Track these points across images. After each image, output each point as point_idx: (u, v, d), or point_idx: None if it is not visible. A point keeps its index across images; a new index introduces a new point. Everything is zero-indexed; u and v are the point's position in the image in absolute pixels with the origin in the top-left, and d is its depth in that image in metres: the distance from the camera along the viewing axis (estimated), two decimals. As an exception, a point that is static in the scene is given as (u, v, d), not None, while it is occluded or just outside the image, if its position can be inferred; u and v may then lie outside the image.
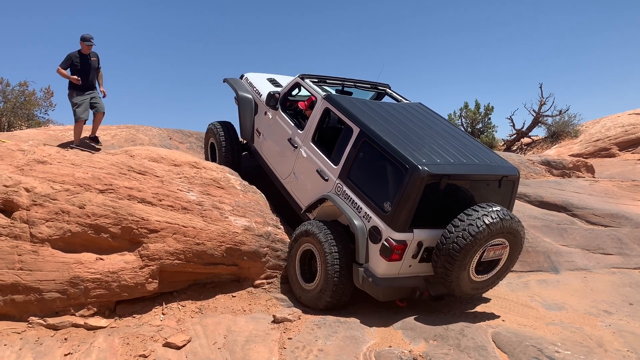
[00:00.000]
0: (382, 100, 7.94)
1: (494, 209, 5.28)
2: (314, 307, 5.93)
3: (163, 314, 5.76)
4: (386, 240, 5.40)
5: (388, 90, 8.02)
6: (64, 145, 8.27)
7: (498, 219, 5.21)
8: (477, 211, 5.23)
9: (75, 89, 8.40)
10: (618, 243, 8.22)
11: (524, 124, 24.39)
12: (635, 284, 7.01)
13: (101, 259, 5.71)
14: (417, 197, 5.28)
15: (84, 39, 8.34)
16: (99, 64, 8.62)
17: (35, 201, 5.68)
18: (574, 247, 8.15)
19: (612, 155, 19.93)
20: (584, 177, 11.87)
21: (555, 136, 22.66)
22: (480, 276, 5.55)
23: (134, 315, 5.69)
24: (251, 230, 6.38)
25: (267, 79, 8.46)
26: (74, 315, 5.52)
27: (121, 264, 5.73)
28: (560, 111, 23.30)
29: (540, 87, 23.89)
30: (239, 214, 6.51)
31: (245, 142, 8.33)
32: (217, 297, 6.14)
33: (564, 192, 9.89)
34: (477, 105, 25.63)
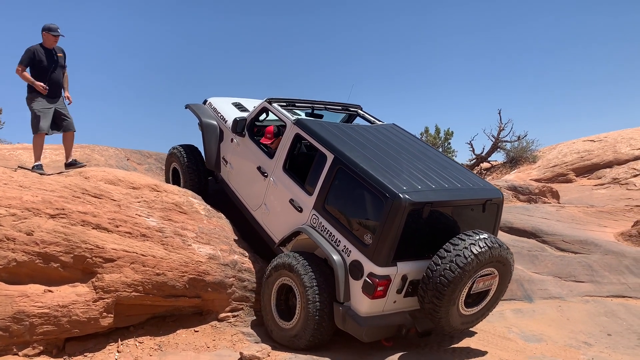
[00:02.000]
0: (354, 122, 7.64)
1: (482, 236, 4.96)
2: (293, 347, 5.43)
3: (118, 351, 5.24)
4: (368, 276, 4.99)
5: (360, 111, 7.66)
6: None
7: (486, 248, 4.89)
8: (464, 240, 4.90)
9: (38, 93, 6.73)
10: (589, 270, 8.12)
11: (483, 149, 24.70)
12: (610, 313, 6.87)
13: (50, 291, 5.17)
14: (399, 228, 4.92)
15: (49, 29, 6.73)
16: (65, 61, 7.05)
17: (-25, 227, 5.12)
18: (546, 275, 8.01)
19: (569, 181, 20.29)
20: (550, 203, 11.89)
21: (514, 161, 22.97)
22: (469, 309, 5.20)
23: (85, 354, 5.15)
24: (216, 259, 5.94)
25: (232, 104, 7.98)
26: (17, 355, 4.93)
27: (72, 296, 5.19)
28: (519, 137, 23.68)
29: (499, 113, 24.17)
30: (203, 241, 6.07)
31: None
32: (178, 332, 5.65)
33: (532, 217, 9.81)
34: (437, 130, 25.89)
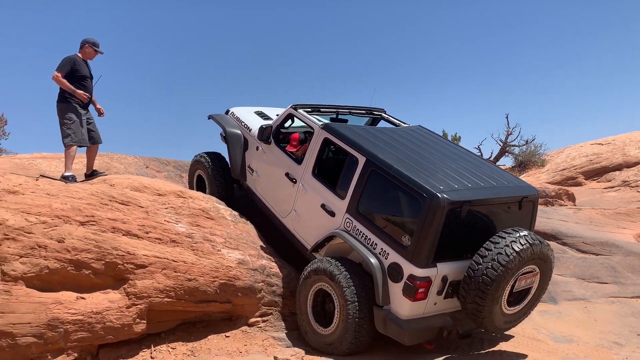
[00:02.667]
0: (379, 126, 7.64)
1: (522, 233, 4.93)
2: (331, 353, 5.39)
3: (152, 357, 5.23)
4: (408, 278, 4.96)
5: (384, 114, 7.66)
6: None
7: (528, 245, 4.85)
8: (504, 238, 4.87)
9: (72, 104, 6.64)
10: (612, 272, 8.09)
11: (491, 153, 24.66)
12: (638, 314, 6.85)
13: (82, 297, 5.17)
14: (438, 228, 4.89)
15: (93, 44, 6.78)
16: None
17: (7, 235, 5.11)
18: (569, 277, 7.98)
19: (579, 184, 20.24)
20: (566, 205, 11.87)
21: (522, 165, 22.96)
22: (512, 308, 5.16)
23: (119, 360, 5.14)
24: (245, 264, 5.94)
25: (255, 112, 7.98)
26: (52, 362, 4.94)
27: (105, 303, 5.19)
28: (527, 141, 23.68)
29: (507, 118, 24.21)
30: (232, 246, 6.07)
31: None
32: (209, 337, 5.65)
33: (551, 220, 9.78)
34: (445, 135, 25.85)
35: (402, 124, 7.37)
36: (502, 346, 5.77)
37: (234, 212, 6.82)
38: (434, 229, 4.88)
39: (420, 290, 4.93)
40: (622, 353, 5.66)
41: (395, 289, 5.09)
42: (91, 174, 7.21)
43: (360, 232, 5.51)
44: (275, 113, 7.69)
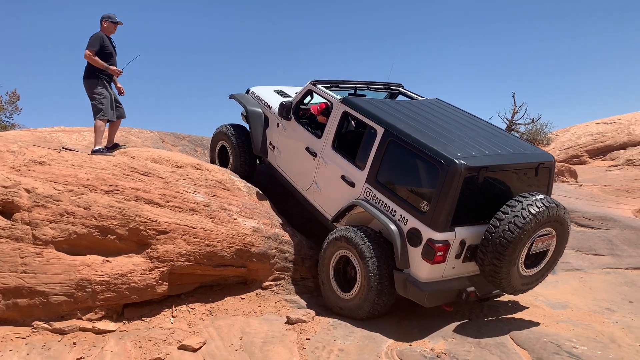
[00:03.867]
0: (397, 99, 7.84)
1: (538, 197, 5.11)
2: (353, 316, 5.69)
3: (173, 316, 5.63)
4: (427, 241, 5.21)
5: (401, 89, 7.83)
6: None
7: (544, 208, 5.05)
8: (521, 201, 5.08)
9: (102, 79, 7.04)
10: (609, 244, 8.41)
11: (497, 131, 24.78)
12: (631, 283, 7.18)
13: (108, 261, 5.56)
14: (456, 193, 5.11)
15: (109, 17, 7.07)
16: None
17: (37, 202, 5.50)
18: (567, 249, 8.24)
19: (583, 162, 20.45)
20: (568, 182, 12.15)
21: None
22: (529, 270, 5.38)
23: (143, 319, 5.54)
24: (260, 231, 6.30)
25: (275, 91, 8.21)
26: (81, 319, 5.35)
27: (130, 266, 5.58)
28: (533, 119, 23.87)
29: (513, 96, 24.32)
30: (247, 215, 6.43)
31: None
32: (225, 299, 6.03)
33: (552, 196, 10.08)
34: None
35: (420, 98, 7.54)
36: (501, 310, 6.11)
37: (248, 184, 7.16)
38: (451, 195, 5.10)
39: (439, 253, 5.16)
40: (613, 317, 5.99)
41: (415, 253, 5.34)
42: (113, 147, 7.55)
43: (380, 200, 5.76)
44: (294, 91, 7.91)
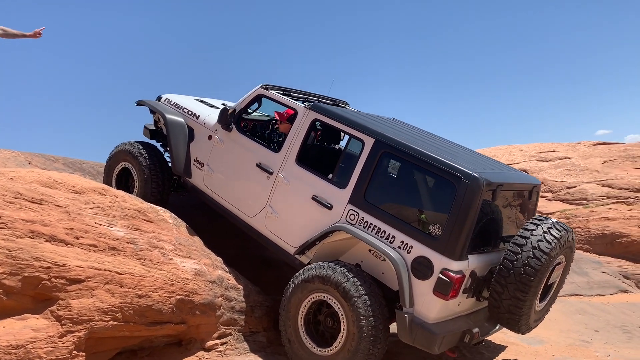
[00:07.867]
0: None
1: (551, 221, 4.56)
2: None
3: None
4: (443, 272, 4.27)
5: (348, 108, 6.83)
6: None
7: (564, 231, 4.49)
8: (539, 225, 4.45)
9: None
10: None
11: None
12: (582, 311, 6.98)
13: (-8, 327, 3.76)
14: (476, 213, 4.31)
15: None
16: None
17: None
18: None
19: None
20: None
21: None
22: (540, 304, 4.75)
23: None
24: (202, 275, 4.86)
25: (196, 100, 6.74)
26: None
27: (27, 332, 3.82)
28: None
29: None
30: (183, 254, 4.94)
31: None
32: (158, 369, 4.48)
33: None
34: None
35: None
36: (486, 352, 5.37)
37: (172, 214, 5.62)
38: (472, 215, 4.30)
39: (456, 286, 4.30)
40: (601, 350, 5.60)
41: (422, 288, 4.39)
42: None
43: (371, 224, 4.72)
44: (219, 103, 6.60)
